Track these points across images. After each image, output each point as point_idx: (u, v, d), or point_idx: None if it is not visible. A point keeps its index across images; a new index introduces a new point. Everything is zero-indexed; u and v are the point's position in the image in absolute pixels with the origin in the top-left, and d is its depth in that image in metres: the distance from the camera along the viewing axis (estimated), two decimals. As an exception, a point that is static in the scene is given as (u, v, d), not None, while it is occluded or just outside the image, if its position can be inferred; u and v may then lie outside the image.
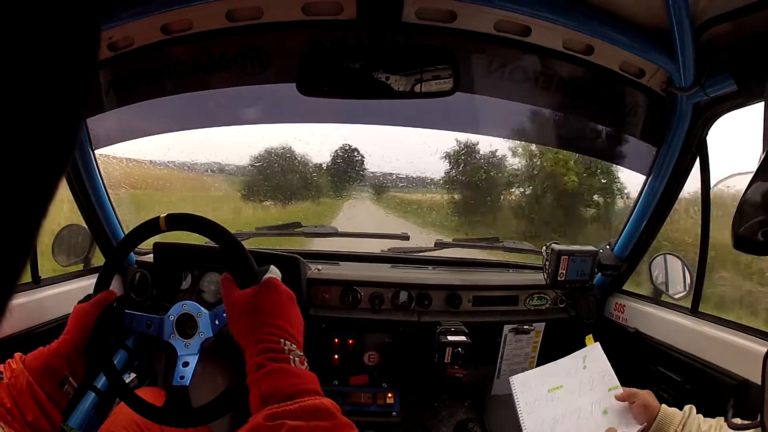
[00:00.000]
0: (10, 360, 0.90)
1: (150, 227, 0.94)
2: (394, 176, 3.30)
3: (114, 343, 1.46)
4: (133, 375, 1.50)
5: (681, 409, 0.98)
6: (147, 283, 1.46)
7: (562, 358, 1.16)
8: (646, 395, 0.99)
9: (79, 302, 1.03)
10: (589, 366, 1.09)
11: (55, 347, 0.92)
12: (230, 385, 0.85)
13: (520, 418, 1.10)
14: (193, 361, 0.95)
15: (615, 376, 1.04)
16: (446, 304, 1.45)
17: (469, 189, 3.73)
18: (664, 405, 0.98)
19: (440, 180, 3.53)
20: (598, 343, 1.12)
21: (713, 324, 1.17)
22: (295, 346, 0.69)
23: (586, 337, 1.16)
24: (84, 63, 0.24)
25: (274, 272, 0.81)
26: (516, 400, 1.13)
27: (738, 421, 0.89)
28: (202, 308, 0.98)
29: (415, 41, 1.26)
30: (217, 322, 0.96)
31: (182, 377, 0.94)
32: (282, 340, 0.68)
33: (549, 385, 1.12)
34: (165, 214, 0.92)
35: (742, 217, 0.44)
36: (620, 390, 1.01)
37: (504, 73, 1.37)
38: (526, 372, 1.18)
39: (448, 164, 3.52)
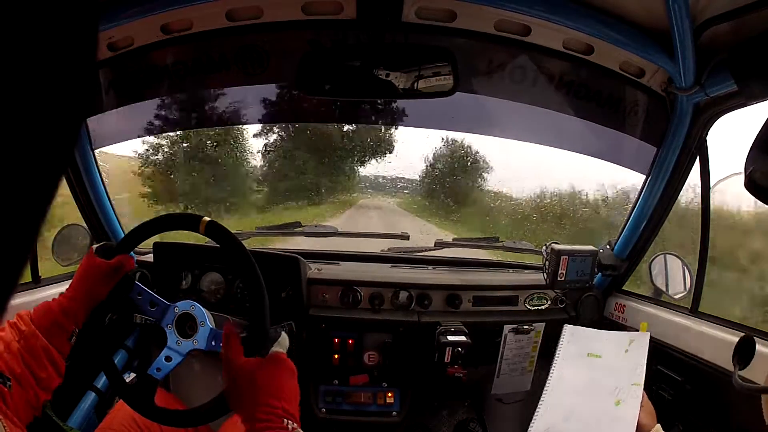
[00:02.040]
0: (15, 321, 0.87)
1: (189, 221, 0.91)
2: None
3: (114, 342, 1.46)
4: (133, 375, 1.50)
5: (680, 409, 0.98)
6: (147, 283, 1.46)
7: (613, 331, 1.17)
8: (644, 414, 0.99)
9: (96, 250, 0.96)
10: (631, 352, 1.09)
11: (65, 306, 0.90)
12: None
13: (553, 366, 1.11)
14: (176, 360, 0.96)
15: (644, 374, 1.04)
16: (446, 304, 1.45)
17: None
18: (658, 425, 0.98)
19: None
20: (649, 333, 1.11)
21: (713, 324, 1.17)
22: (296, 424, 0.73)
23: (642, 323, 1.16)
24: (82, 64, 0.24)
25: (282, 344, 0.82)
26: (559, 348, 1.15)
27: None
28: (207, 319, 0.97)
29: (415, 41, 1.26)
30: (213, 342, 0.95)
31: (159, 369, 0.95)
32: (285, 421, 0.72)
33: (591, 349, 1.13)
34: (209, 219, 0.89)
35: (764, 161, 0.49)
36: (640, 390, 1.01)
37: (504, 72, 1.37)
38: (580, 327, 1.19)
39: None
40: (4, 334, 0.84)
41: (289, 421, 0.73)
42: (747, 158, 0.62)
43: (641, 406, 0.99)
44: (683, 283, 1.39)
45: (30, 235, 0.24)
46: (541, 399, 1.08)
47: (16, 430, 0.71)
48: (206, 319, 0.97)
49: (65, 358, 0.88)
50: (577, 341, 1.16)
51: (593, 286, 1.51)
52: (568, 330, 1.18)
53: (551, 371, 1.11)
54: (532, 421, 1.04)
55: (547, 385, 1.09)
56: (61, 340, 0.88)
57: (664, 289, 1.44)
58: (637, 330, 1.36)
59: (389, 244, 1.75)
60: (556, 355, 1.14)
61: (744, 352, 0.99)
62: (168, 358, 0.96)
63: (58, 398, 0.92)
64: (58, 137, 0.24)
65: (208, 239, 0.94)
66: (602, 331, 1.18)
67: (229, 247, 0.88)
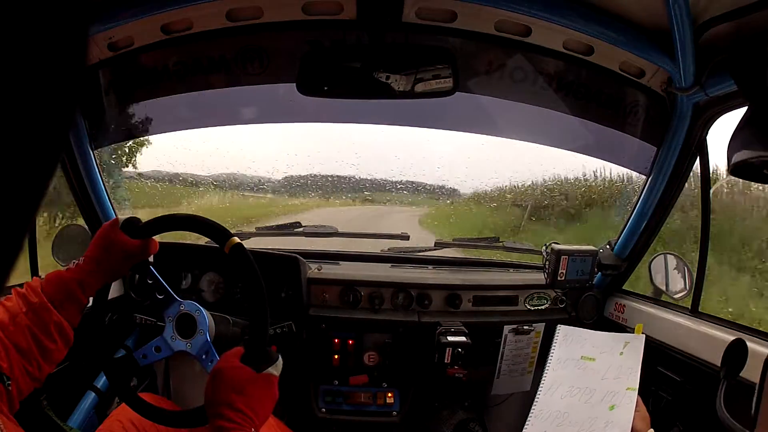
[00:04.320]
0: (24, 291, 0.79)
1: (218, 234, 0.87)
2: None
3: (114, 342, 1.46)
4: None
5: (680, 410, 0.98)
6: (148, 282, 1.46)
7: (609, 333, 1.15)
8: (638, 419, 0.98)
9: (122, 223, 0.88)
10: (626, 355, 1.08)
11: (81, 278, 0.83)
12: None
13: (547, 368, 1.10)
14: (164, 353, 0.97)
15: (638, 378, 1.03)
16: (446, 304, 1.45)
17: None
18: (652, 430, 0.98)
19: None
20: (644, 335, 1.11)
21: (713, 324, 1.17)
22: None
23: (637, 325, 1.16)
24: (72, 67, 0.24)
25: (278, 368, 0.82)
26: (552, 349, 1.14)
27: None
28: (207, 329, 0.97)
29: (415, 41, 1.26)
30: (204, 356, 0.95)
31: (145, 356, 0.97)
32: (252, 430, 0.74)
33: (585, 352, 1.12)
34: (238, 241, 0.85)
35: (744, 145, 0.52)
36: (634, 394, 1.01)
37: (504, 73, 1.37)
38: (575, 327, 1.18)
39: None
40: (11, 304, 0.78)
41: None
42: (732, 148, 0.65)
43: (636, 410, 0.98)
44: (683, 283, 1.39)
45: (19, 235, 0.24)
46: (534, 402, 1.07)
47: (15, 429, 0.71)
48: (206, 329, 0.97)
49: (74, 327, 0.83)
50: (570, 343, 1.15)
51: (593, 286, 1.51)
52: (562, 331, 1.17)
53: (544, 374, 1.10)
54: (525, 425, 1.04)
55: (540, 387, 1.09)
56: (74, 312, 0.83)
57: (664, 288, 1.44)
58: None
59: (389, 244, 1.75)
60: (549, 357, 1.13)
61: (735, 359, 0.97)
62: (158, 349, 0.97)
63: (59, 398, 0.91)
64: (48, 138, 0.24)
65: (208, 240, 0.94)
66: (596, 332, 1.17)
67: (247, 275, 0.85)
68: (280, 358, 0.82)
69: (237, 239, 0.86)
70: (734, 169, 0.66)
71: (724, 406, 0.93)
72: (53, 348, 0.79)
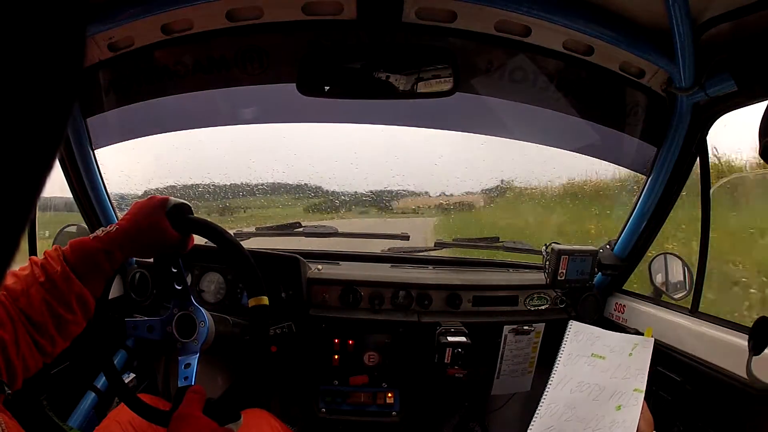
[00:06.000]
0: (43, 260, 0.74)
1: (254, 283, 0.87)
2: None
3: (114, 342, 1.46)
4: (132, 375, 1.50)
5: (680, 410, 0.98)
6: (147, 283, 1.46)
7: (619, 333, 1.16)
8: (642, 421, 0.98)
9: (170, 210, 0.83)
10: (635, 356, 1.09)
11: (109, 249, 0.78)
12: (231, 385, 0.86)
13: (557, 363, 1.11)
14: (154, 336, 1.00)
15: (645, 380, 1.03)
16: (446, 304, 1.45)
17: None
18: None
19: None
20: (653, 339, 1.12)
21: (713, 324, 1.17)
22: None
23: (647, 329, 1.16)
24: (69, 67, 0.24)
25: (238, 425, 0.83)
26: (563, 344, 1.13)
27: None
28: (201, 341, 0.99)
29: (415, 41, 1.26)
30: (184, 367, 0.95)
31: (135, 327, 1.01)
32: None
33: (595, 349, 1.12)
34: (266, 303, 0.87)
35: None
36: (641, 396, 1.01)
37: (504, 73, 1.37)
38: (585, 324, 1.18)
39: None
40: (26, 273, 0.73)
41: None
42: (762, 126, 0.68)
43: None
44: (684, 284, 1.39)
45: (14, 234, 0.24)
46: (544, 395, 1.08)
47: (17, 429, 0.70)
48: (201, 341, 0.98)
49: (97, 299, 0.79)
50: (581, 339, 1.15)
51: (593, 286, 1.51)
52: (573, 327, 1.17)
53: (554, 368, 1.11)
54: (534, 418, 1.04)
55: (550, 381, 1.09)
56: (98, 283, 0.79)
57: (664, 289, 1.44)
58: (637, 330, 1.36)
59: (389, 244, 1.75)
60: (560, 353, 1.13)
61: (760, 335, 0.97)
62: (150, 328, 1.01)
63: (59, 398, 0.91)
64: (43, 137, 0.24)
65: (206, 240, 0.94)
66: (607, 331, 1.18)
67: (257, 336, 0.87)
68: (242, 418, 0.83)
69: (267, 300, 0.86)
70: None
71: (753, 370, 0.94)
72: (71, 319, 0.74)
